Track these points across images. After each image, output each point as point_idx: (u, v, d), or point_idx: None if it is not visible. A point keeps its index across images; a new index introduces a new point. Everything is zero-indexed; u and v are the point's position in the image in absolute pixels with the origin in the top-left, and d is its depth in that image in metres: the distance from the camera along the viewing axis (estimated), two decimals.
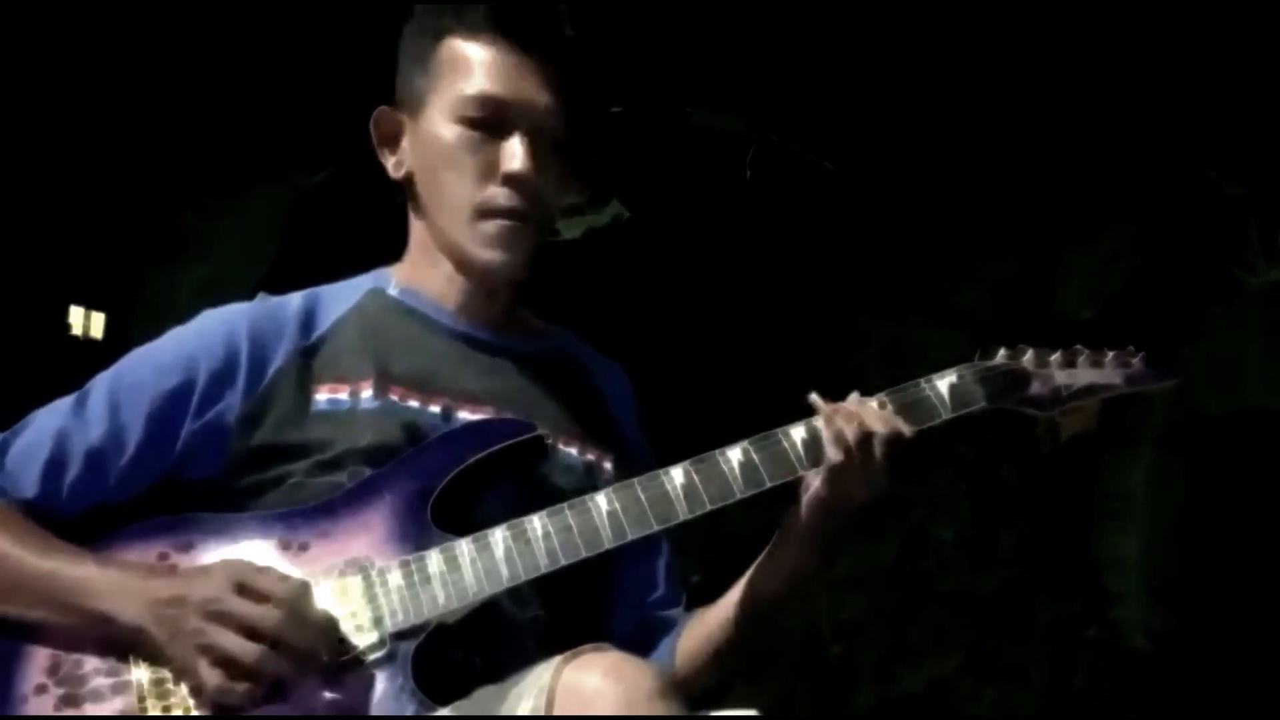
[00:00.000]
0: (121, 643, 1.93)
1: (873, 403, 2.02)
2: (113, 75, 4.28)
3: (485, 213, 2.11)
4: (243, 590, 1.88)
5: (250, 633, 1.87)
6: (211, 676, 1.87)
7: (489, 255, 2.12)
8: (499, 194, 2.11)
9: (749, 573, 2.10)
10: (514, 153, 2.10)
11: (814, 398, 2.01)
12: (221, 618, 1.87)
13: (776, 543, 2.07)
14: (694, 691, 2.09)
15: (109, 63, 4.28)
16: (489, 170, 2.11)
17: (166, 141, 4.31)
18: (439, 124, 2.13)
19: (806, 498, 2.01)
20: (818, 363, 4.18)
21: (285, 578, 1.91)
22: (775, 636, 4.23)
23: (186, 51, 4.28)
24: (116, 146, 4.32)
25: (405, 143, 2.18)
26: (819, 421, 2.01)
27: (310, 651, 1.89)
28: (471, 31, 2.13)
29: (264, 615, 1.87)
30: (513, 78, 2.11)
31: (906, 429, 1.99)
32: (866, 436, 1.96)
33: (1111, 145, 4.19)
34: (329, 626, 1.91)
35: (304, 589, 1.91)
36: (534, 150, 2.11)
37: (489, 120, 2.11)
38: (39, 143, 4.26)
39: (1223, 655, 4.09)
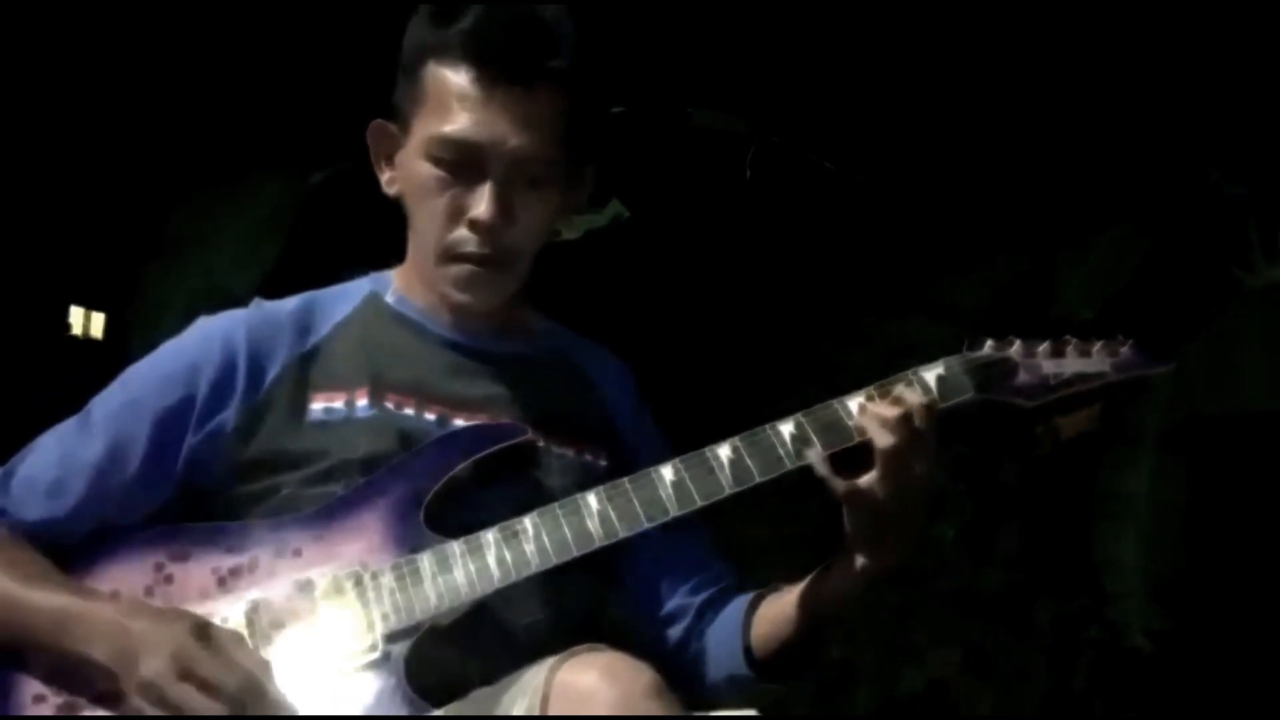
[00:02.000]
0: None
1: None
2: (113, 74, 4.28)
3: (451, 256, 2.08)
4: (186, 676, 1.83)
5: (207, 691, 1.81)
6: None
7: (457, 297, 2.10)
8: (466, 239, 2.06)
9: (823, 569, 2.05)
10: (481, 199, 2.04)
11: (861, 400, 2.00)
12: (161, 703, 1.83)
13: (850, 545, 2.00)
14: (779, 682, 2.09)
15: (109, 62, 4.28)
16: (456, 213, 2.06)
17: (167, 141, 4.31)
18: (415, 156, 2.08)
19: (865, 495, 1.95)
20: (818, 363, 4.18)
21: (236, 662, 1.84)
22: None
23: (187, 50, 4.28)
24: (116, 146, 4.32)
25: (398, 160, 2.13)
26: (805, 416, 2.00)
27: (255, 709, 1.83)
28: (450, 57, 2.04)
29: (201, 707, 1.81)
30: (487, 117, 2.02)
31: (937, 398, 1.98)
32: (907, 413, 1.93)
33: (1112, 145, 4.19)
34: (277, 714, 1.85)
35: (255, 679, 1.84)
36: (506, 194, 2.04)
37: (459, 162, 2.04)
38: (38, 142, 4.27)
39: (1223, 655, 4.08)
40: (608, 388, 2.25)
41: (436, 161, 2.06)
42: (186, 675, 1.83)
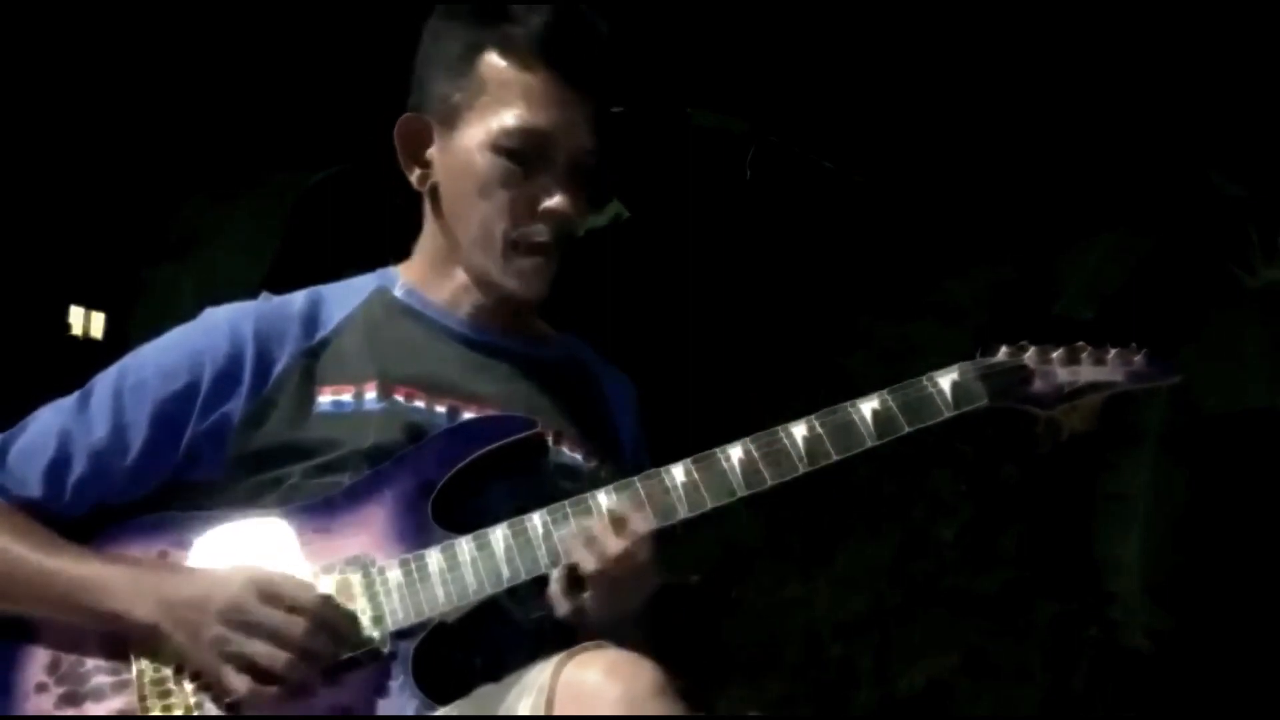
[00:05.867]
0: (128, 640, 1.93)
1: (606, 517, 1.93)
2: (113, 74, 4.28)
3: (521, 248, 2.08)
4: (267, 598, 1.88)
5: (278, 641, 1.86)
6: (240, 683, 1.86)
7: (519, 288, 2.10)
8: (536, 231, 2.07)
9: None
10: (555, 190, 2.06)
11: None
12: (248, 627, 1.87)
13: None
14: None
15: (109, 62, 4.28)
16: (527, 205, 2.07)
17: (167, 141, 4.31)
18: (474, 148, 2.08)
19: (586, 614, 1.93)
20: (818, 363, 4.19)
21: (306, 584, 1.91)
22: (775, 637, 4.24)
23: (187, 51, 4.28)
24: (116, 146, 4.32)
25: (433, 154, 2.13)
26: (816, 419, 2.00)
27: (335, 656, 1.88)
28: (515, 53, 2.06)
29: (291, 623, 1.86)
30: (556, 110, 2.06)
31: (640, 527, 1.91)
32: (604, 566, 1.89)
33: (1113, 146, 4.20)
34: (352, 630, 1.90)
35: (325, 595, 1.90)
36: (572, 185, 2.08)
37: (529, 153, 2.06)
38: (39, 142, 4.27)
39: (1223, 655, 4.09)
40: (617, 404, 2.25)
41: (504, 153, 2.06)
42: (267, 596, 1.87)
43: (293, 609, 1.87)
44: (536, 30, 2.06)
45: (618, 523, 1.90)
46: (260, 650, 1.86)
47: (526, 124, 2.05)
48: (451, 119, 2.10)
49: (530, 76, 2.06)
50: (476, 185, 2.08)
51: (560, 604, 1.92)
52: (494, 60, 2.07)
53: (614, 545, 1.89)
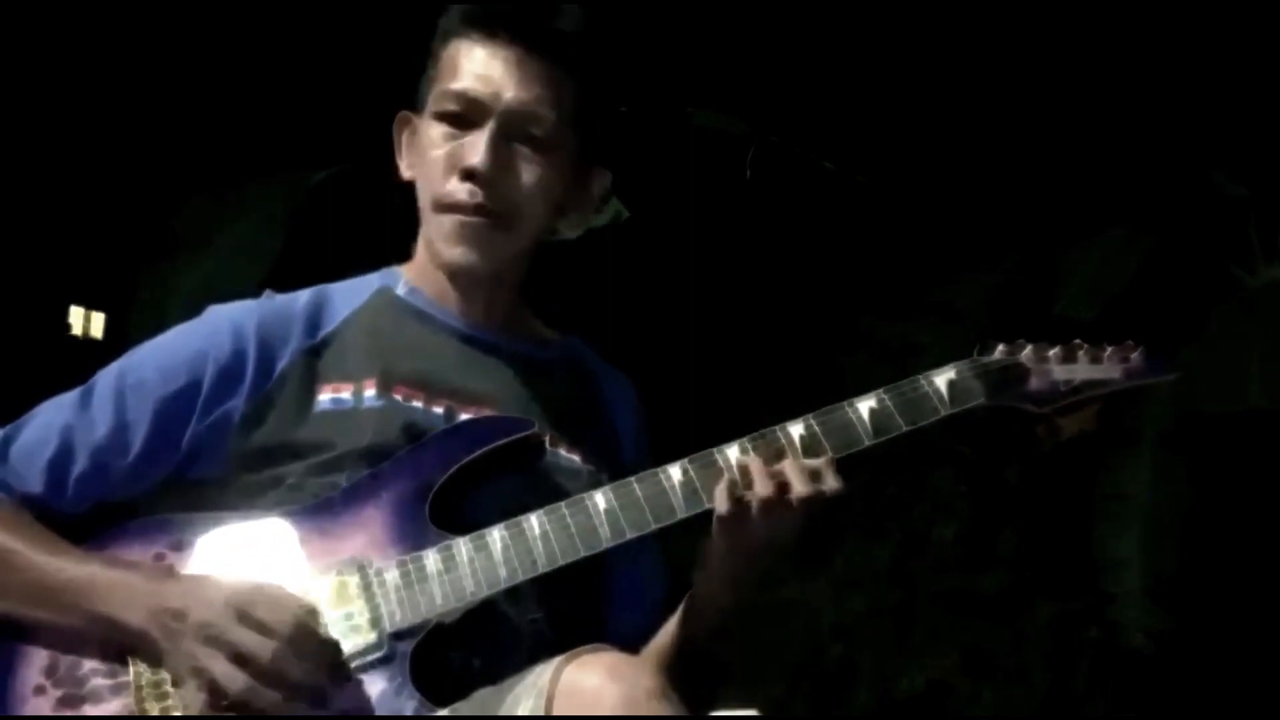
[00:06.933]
0: (124, 645, 1.92)
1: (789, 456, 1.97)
2: (113, 74, 4.28)
3: (443, 206, 2.09)
4: (243, 618, 1.85)
5: (243, 662, 1.84)
6: (196, 700, 1.85)
7: (448, 251, 2.10)
8: (458, 189, 2.08)
9: (677, 613, 2.07)
10: (474, 147, 2.07)
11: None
12: (217, 643, 1.85)
13: (696, 583, 2.04)
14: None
15: (109, 62, 4.28)
16: (452, 164, 2.08)
17: (167, 141, 4.31)
18: (424, 122, 2.13)
19: (707, 542, 1.98)
20: (818, 363, 4.18)
21: (288, 606, 1.88)
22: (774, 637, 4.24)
23: (187, 50, 4.28)
24: (116, 146, 4.32)
25: (413, 142, 2.17)
26: (813, 418, 2.00)
27: (304, 684, 1.85)
28: (468, 32, 2.10)
29: (260, 646, 1.84)
30: (491, 73, 2.07)
31: (828, 484, 1.93)
32: (769, 495, 1.92)
33: (1114, 146, 4.20)
34: (330, 655, 1.88)
35: (305, 619, 1.88)
36: (503, 146, 2.07)
37: (461, 115, 2.08)
38: (39, 142, 4.26)
39: (1223, 655, 4.09)
40: (617, 405, 2.25)
41: (441, 117, 2.10)
42: (243, 616, 1.85)
43: (265, 631, 1.84)
44: (491, 6, 2.10)
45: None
46: (220, 670, 1.84)
47: (455, 87, 2.09)
48: (422, 104, 2.15)
49: (478, 47, 2.10)
50: (422, 153, 2.12)
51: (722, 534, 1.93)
52: (454, 43, 2.12)
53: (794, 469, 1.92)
